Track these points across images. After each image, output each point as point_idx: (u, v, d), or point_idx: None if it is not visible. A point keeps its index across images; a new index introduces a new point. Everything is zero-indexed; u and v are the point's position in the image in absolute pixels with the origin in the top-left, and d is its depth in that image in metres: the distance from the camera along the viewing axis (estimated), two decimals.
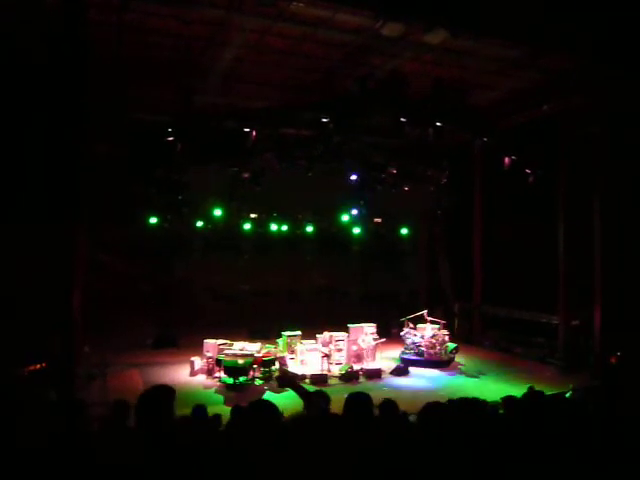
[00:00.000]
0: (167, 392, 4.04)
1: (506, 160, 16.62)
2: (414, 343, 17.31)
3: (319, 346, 16.36)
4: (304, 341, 16.86)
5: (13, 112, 8.43)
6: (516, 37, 13.38)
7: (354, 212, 21.08)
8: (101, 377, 13.64)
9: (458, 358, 17.57)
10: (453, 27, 12.06)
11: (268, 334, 18.98)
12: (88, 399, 11.65)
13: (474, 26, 12.63)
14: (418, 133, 16.74)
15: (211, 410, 10.12)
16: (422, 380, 15.40)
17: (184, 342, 18.26)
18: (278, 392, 13.53)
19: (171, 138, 14.05)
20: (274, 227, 21.49)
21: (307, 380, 14.73)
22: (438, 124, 14.93)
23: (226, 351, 15.11)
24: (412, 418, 4.82)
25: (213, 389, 14.15)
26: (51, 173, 8.60)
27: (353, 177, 19.32)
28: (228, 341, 15.81)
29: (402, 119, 14.34)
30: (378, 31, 13.00)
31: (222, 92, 16.75)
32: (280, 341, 17.03)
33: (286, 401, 11.92)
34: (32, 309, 11.58)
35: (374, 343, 16.95)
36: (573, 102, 16.61)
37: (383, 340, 17.42)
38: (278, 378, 14.59)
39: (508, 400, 4.70)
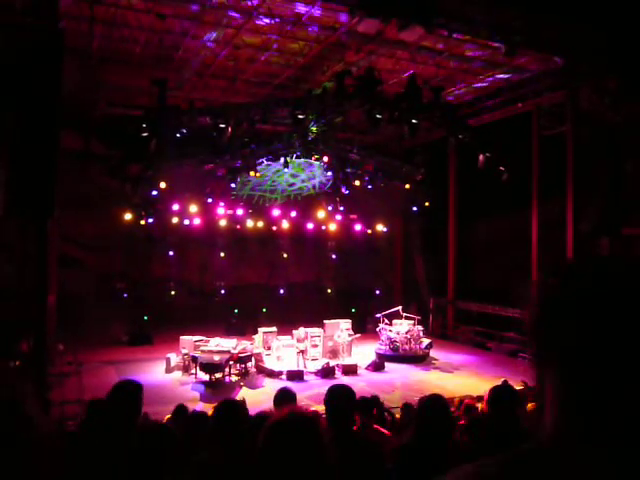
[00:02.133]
0: (134, 387, 4.02)
1: (480, 157, 16.78)
2: (389, 339, 17.41)
3: (295, 342, 16.38)
4: (280, 337, 16.87)
5: None
6: (491, 36, 13.53)
7: (329, 208, 21.13)
8: (75, 375, 13.51)
9: (432, 353, 17.73)
10: (428, 24, 12.13)
11: (244, 330, 18.96)
12: (62, 397, 11.58)
13: (449, 24, 12.75)
14: (393, 130, 16.85)
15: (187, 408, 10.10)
16: (397, 375, 15.52)
17: (160, 339, 18.15)
18: (253, 389, 13.53)
19: (146, 134, 13.91)
20: (250, 223, 21.44)
21: (283, 376, 14.76)
22: (413, 121, 15.01)
23: (202, 347, 15.05)
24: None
25: (189, 386, 14.10)
26: (23, 169, 8.47)
27: (328, 174, 19.37)
28: (204, 337, 15.75)
29: (377, 116, 14.39)
30: (354, 27, 13.05)
31: (197, 87, 16.68)
32: (256, 337, 17.02)
33: (261, 397, 11.94)
34: (4, 307, 11.42)
35: (350, 339, 17.02)
36: (546, 101, 16.87)
37: (358, 336, 17.51)
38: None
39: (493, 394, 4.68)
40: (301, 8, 12.36)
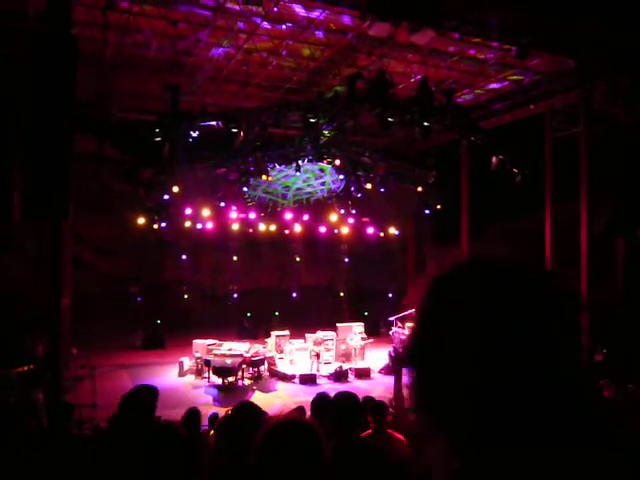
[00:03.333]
0: (150, 392, 4.04)
1: (493, 160, 16.71)
2: (403, 342, 17.35)
3: (308, 345, 16.38)
4: (293, 341, 16.88)
5: None
6: (502, 38, 13.49)
7: (342, 212, 21.14)
8: (90, 379, 13.58)
9: None
10: (439, 27, 12.11)
11: (257, 334, 18.99)
12: (77, 401, 11.66)
13: (460, 26, 12.72)
14: (405, 133, 16.82)
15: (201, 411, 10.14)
16: None
17: (172, 343, 18.23)
18: (266, 392, 13.54)
19: (159, 138, 14.00)
20: (262, 227, 21.49)
21: (296, 380, 14.76)
22: (425, 124, 14.98)
23: (215, 351, 15.10)
24: None
25: (202, 389, 14.14)
26: (39, 173, 8.56)
27: (340, 177, 19.38)
28: (217, 341, 15.80)
29: (389, 119, 14.38)
30: (365, 31, 13.06)
31: (209, 92, 16.75)
32: (269, 341, 17.04)
33: (274, 401, 11.96)
34: (19, 310, 11.52)
35: (363, 342, 17.00)
36: (558, 102, 16.78)
37: (372, 340, 17.47)
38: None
39: None
40: (312, 13, 12.39)
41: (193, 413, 6.45)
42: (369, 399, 6.50)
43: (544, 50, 14.07)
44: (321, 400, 5.00)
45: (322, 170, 19.09)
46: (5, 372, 11.09)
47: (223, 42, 13.59)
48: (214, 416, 7.81)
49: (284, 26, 12.79)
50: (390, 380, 15.25)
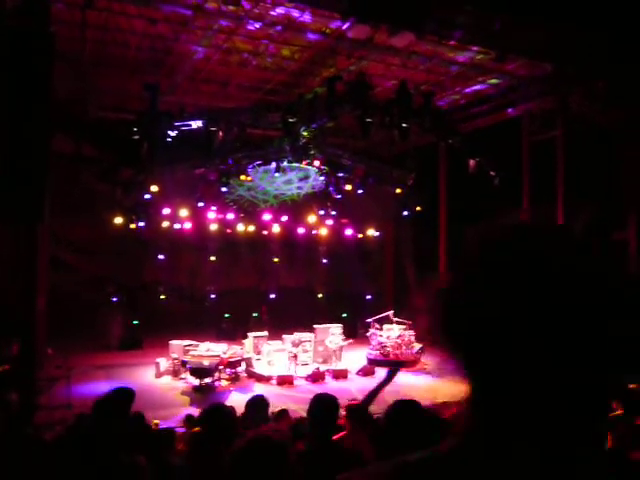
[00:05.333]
0: (126, 394, 4.02)
1: (471, 162, 16.87)
2: (380, 343, 17.44)
3: (286, 347, 16.36)
4: (271, 342, 16.85)
5: None
6: (481, 42, 13.64)
7: (321, 213, 21.16)
8: (65, 379, 13.44)
9: (424, 358, 17.74)
10: (418, 30, 12.22)
11: (234, 335, 18.93)
12: (52, 402, 11.54)
13: (439, 30, 12.84)
14: (384, 135, 16.91)
15: (176, 412, 10.12)
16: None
17: (150, 343, 18.09)
18: (244, 393, 13.50)
19: (137, 137, 13.91)
20: (241, 228, 21.42)
21: (273, 381, 14.75)
22: (403, 125, 15.08)
23: (192, 352, 15.03)
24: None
25: (179, 390, 14.07)
26: (14, 173, 8.46)
27: (320, 178, 19.40)
28: (194, 342, 15.72)
29: (368, 120, 14.45)
30: (345, 33, 13.12)
31: (188, 91, 16.69)
32: (246, 342, 16.99)
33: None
34: None
35: (341, 344, 17.03)
36: (535, 106, 16.98)
37: (350, 341, 17.51)
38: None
39: None
40: (292, 14, 12.41)
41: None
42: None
43: (521, 54, 14.24)
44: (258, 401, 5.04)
45: (306, 177, 19.16)
46: None
47: (203, 42, 13.56)
48: (189, 417, 7.79)
49: (260, 26, 12.78)
50: (367, 382, 15.30)
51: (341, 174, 19.04)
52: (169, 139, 14.39)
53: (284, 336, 16.81)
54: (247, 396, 13.11)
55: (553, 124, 16.84)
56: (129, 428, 4.06)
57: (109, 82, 15.85)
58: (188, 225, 19.73)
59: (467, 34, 12.97)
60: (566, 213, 16.46)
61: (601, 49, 13.44)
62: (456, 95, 18.07)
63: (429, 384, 15.09)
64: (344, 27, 12.71)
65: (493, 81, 16.76)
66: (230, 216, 20.22)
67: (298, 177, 19.45)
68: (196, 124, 14.52)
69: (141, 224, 17.81)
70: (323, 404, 4.21)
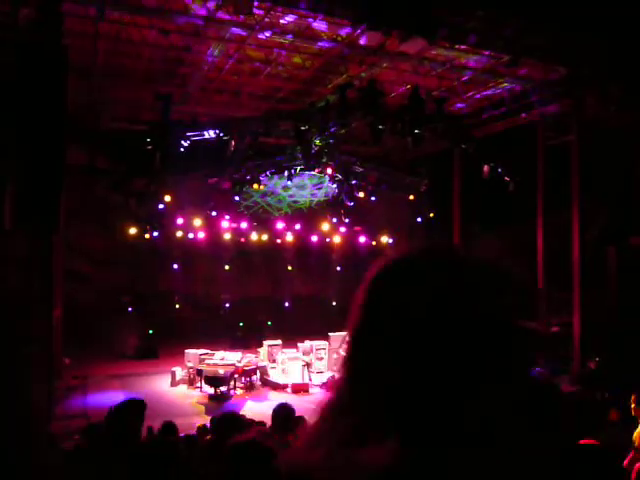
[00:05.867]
0: (137, 406, 4.02)
1: (485, 168, 16.76)
2: None
3: (301, 355, 16.33)
4: (285, 350, 16.82)
5: None
6: (493, 47, 13.57)
7: (334, 221, 21.14)
8: (81, 389, 13.49)
9: None
10: (430, 36, 12.18)
11: (249, 343, 18.92)
12: (68, 411, 11.58)
13: (451, 36, 12.80)
14: (396, 141, 16.86)
15: (192, 421, 10.10)
16: None
17: (165, 352, 18.13)
18: (259, 402, 13.47)
19: (149, 147, 13.98)
20: (254, 236, 21.45)
21: (288, 389, 14.71)
22: (416, 132, 15.02)
23: (207, 361, 15.03)
24: None
25: (194, 399, 14.06)
26: (30, 183, 8.53)
27: (333, 186, 19.39)
28: (209, 351, 15.73)
29: (380, 127, 14.42)
30: (356, 40, 13.12)
31: (200, 101, 16.76)
32: (261, 350, 16.98)
33: (266, 410, 11.88)
34: (11, 320, 11.41)
35: None
36: (550, 110, 16.84)
37: None
38: None
39: None
40: (303, 22, 12.43)
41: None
42: None
43: (535, 58, 14.14)
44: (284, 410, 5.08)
45: (320, 183, 19.14)
46: None
47: (215, 50, 13.61)
48: (203, 427, 7.78)
49: (271, 34, 12.80)
50: None
51: (354, 181, 19.01)
52: (182, 149, 14.45)
53: (298, 344, 16.79)
54: (262, 404, 13.15)
55: (568, 128, 16.69)
56: (140, 437, 4.05)
57: (121, 93, 15.97)
58: (202, 234, 19.80)
59: (480, 39, 12.91)
60: (582, 218, 16.29)
61: (615, 52, 13.33)
62: (469, 100, 17.98)
63: None
64: (356, 34, 12.71)
65: (506, 86, 16.62)
66: (244, 225, 20.26)
67: (312, 183, 19.45)
68: (209, 134, 14.57)
69: (155, 234, 17.90)
70: (280, 413, 4.30)
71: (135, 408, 4.03)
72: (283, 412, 4.44)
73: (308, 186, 19.51)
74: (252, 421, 5.33)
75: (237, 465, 2.00)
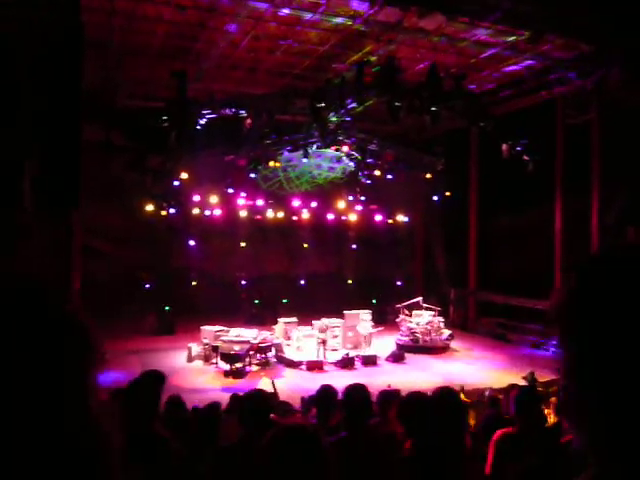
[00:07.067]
0: (156, 378, 4.07)
1: (504, 147, 16.54)
2: (409, 329, 17.36)
3: (315, 332, 16.40)
4: (300, 327, 16.91)
5: (4, 99, 8.39)
6: (514, 22, 13.30)
7: (350, 198, 21.07)
8: (100, 363, 13.66)
9: (453, 345, 17.63)
10: (449, 11, 11.97)
11: (264, 320, 19.04)
12: None
13: (470, 11, 12.57)
14: (414, 119, 16.68)
15: (207, 397, 10.21)
16: (417, 366, 15.47)
17: (181, 329, 18.30)
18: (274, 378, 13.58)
19: (165, 125, 13.97)
20: (270, 214, 21.47)
21: (303, 366, 14.80)
22: (433, 109, 14.83)
23: (222, 337, 15.15)
24: None
25: (210, 375, 14.22)
26: (48, 161, 8.57)
27: (350, 163, 19.28)
28: (225, 328, 15.85)
29: (397, 104, 14.25)
30: (374, 16, 12.93)
31: (216, 78, 16.68)
32: (276, 327, 17.08)
33: (281, 386, 11.98)
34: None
35: (371, 330, 16.99)
36: (571, 88, 16.53)
37: (381, 329, 17.46)
38: None
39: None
40: None
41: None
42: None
43: (558, 34, 13.83)
44: (326, 393, 5.06)
45: (338, 159, 18.97)
46: None
47: (234, 25, 13.47)
48: (234, 396, 7.94)
49: (289, 10, 12.65)
50: (396, 368, 15.27)
51: (370, 159, 18.88)
52: (198, 126, 14.42)
53: (313, 322, 16.86)
54: (277, 381, 13.26)
55: (588, 107, 16.40)
56: (160, 411, 4.12)
57: (137, 70, 15.92)
58: (218, 211, 19.85)
59: (499, 14, 12.64)
60: (601, 199, 16.07)
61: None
62: (488, 77, 17.70)
63: (458, 370, 14.98)
64: (372, 10, 12.51)
65: (527, 62, 16.31)
66: (260, 202, 20.27)
67: (330, 158, 19.28)
68: (225, 111, 14.52)
69: (172, 211, 17.97)
70: (357, 394, 4.31)
71: (154, 380, 4.08)
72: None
73: (326, 160, 19.33)
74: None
75: (285, 451, 2.09)
